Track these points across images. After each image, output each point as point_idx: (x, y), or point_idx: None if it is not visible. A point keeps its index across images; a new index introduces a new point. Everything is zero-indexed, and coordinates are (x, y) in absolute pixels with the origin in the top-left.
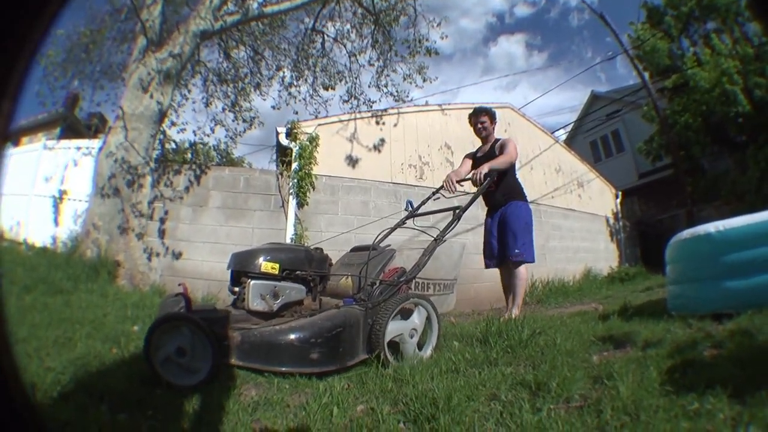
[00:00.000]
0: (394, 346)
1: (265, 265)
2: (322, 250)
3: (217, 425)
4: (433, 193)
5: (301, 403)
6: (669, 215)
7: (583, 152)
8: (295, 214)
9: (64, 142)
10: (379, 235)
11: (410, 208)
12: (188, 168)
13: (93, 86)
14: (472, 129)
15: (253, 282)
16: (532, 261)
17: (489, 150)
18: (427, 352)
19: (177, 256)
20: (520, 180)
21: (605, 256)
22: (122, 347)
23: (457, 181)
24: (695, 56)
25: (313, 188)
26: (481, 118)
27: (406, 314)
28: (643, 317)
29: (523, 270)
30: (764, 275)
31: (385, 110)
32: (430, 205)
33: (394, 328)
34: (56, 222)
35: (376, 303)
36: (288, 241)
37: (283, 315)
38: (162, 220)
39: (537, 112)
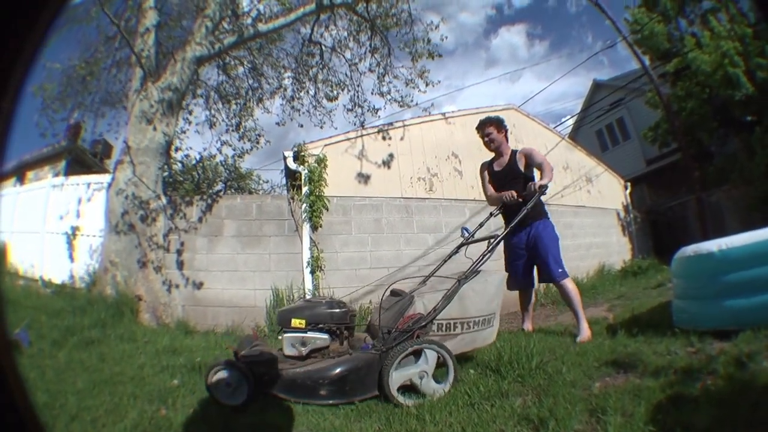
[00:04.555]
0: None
1: (294, 321)
2: (344, 303)
3: None
4: (492, 214)
5: None
6: (679, 201)
7: (589, 142)
8: (310, 237)
9: (73, 178)
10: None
11: (466, 234)
12: (199, 198)
13: (94, 115)
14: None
15: (286, 335)
16: (568, 274)
17: (509, 163)
18: (446, 387)
19: (198, 286)
20: None
21: (618, 250)
22: (170, 407)
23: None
24: (695, 38)
25: (326, 210)
26: (486, 129)
27: (418, 356)
28: (648, 333)
29: (569, 284)
30: (764, 295)
31: (390, 124)
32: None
33: (402, 374)
34: (71, 258)
35: (389, 348)
36: (305, 263)
37: (315, 356)
38: (179, 252)
39: (543, 101)
